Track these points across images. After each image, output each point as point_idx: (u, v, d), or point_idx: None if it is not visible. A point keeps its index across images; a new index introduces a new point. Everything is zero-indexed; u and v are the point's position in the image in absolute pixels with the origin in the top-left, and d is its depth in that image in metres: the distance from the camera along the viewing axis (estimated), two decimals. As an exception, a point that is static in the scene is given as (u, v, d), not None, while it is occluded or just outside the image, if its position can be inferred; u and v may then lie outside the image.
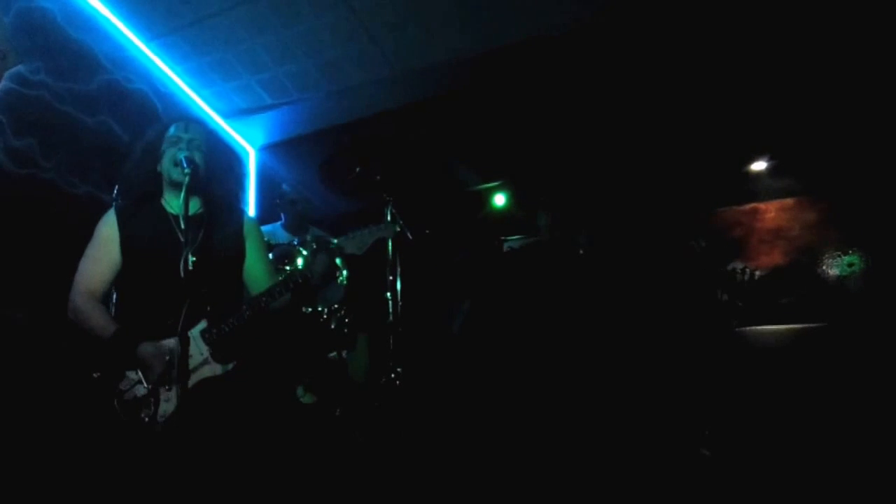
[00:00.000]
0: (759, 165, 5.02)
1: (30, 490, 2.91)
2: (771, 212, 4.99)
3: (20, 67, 3.76)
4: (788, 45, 4.37)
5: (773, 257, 4.91)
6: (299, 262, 3.98)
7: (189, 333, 2.39)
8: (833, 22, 4.16)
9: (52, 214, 3.64)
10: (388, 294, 4.44)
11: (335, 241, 2.75)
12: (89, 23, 4.23)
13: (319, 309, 4.12)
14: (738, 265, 4.73)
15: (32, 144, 3.72)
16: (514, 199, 5.29)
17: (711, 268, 4.70)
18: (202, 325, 2.46)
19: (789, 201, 4.96)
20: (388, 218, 4.30)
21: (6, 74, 3.70)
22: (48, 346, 3.31)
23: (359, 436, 3.88)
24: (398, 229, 4.16)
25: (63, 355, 3.20)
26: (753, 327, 4.12)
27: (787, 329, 4.01)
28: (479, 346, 4.74)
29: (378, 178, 4.32)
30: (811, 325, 3.97)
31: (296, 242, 4.12)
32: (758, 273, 4.72)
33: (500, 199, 5.36)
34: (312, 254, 2.74)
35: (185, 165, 2.48)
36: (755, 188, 5.03)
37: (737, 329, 4.16)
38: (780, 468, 3.35)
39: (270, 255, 3.86)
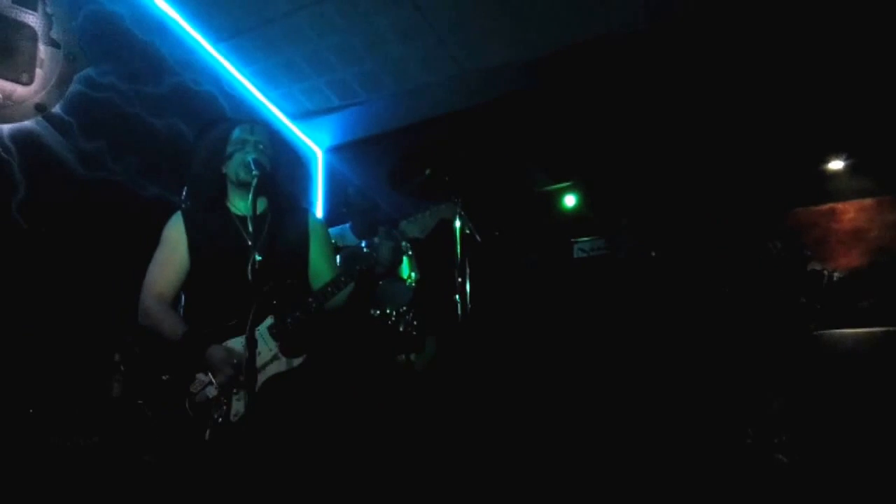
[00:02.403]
0: (836, 165, 4.67)
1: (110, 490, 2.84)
2: (849, 212, 4.65)
3: (90, 70, 3.69)
4: (865, 43, 4.11)
5: (851, 259, 4.57)
6: (369, 263, 3.76)
7: (257, 331, 2.28)
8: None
9: (122, 217, 3.55)
10: (458, 296, 4.04)
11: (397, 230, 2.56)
12: (157, 25, 4.13)
13: (388, 311, 3.91)
14: (817, 266, 4.37)
15: (102, 147, 3.64)
16: (584, 199, 5.00)
17: (790, 270, 4.38)
18: (269, 321, 2.37)
19: (868, 201, 4.60)
20: (458, 220, 3.98)
21: (76, 77, 3.63)
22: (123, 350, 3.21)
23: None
24: (460, 209, 3.89)
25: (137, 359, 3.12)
26: (832, 331, 3.87)
27: (866, 333, 3.77)
28: (552, 348, 4.55)
29: (447, 179, 3.99)
30: (892, 328, 3.70)
31: (364, 244, 3.94)
32: (836, 275, 4.34)
33: (570, 200, 5.09)
34: (377, 242, 2.56)
35: (253, 168, 2.41)
36: (832, 188, 4.68)
37: (815, 332, 3.87)
38: (859, 477, 3.12)
39: (338, 258, 3.77)
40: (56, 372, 3.13)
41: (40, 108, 3.44)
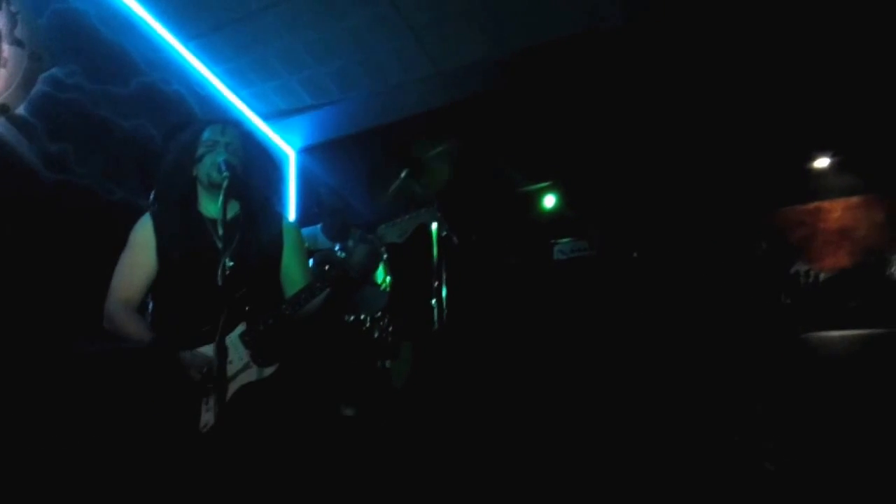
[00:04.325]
0: (822, 162, 4.54)
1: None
2: (836, 211, 4.50)
3: (55, 70, 3.56)
4: (849, 39, 4.06)
5: (838, 259, 4.40)
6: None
7: (228, 338, 2.20)
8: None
9: (88, 220, 3.45)
10: (434, 301, 3.97)
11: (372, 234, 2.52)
12: (125, 24, 4.02)
13: (362, 317, 3.83)
14: (802, 267, 4.35)
15: (68, 149, 3.52)
16: (564, 200, 4.89)
17: (774, 270, 4.37)
18: (241, 328, 2.30)
19: (854, 200, 4.46)
20: (435, 223, 3.88)
21: (41, 78, 3.49)
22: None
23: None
24: (438, 214, 3.80)
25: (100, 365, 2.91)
26: (819, 332, 3.73)
27: (854, 334, 3.65)
28: (532, 353, 4.45)
29: (422, 180, 3.96)
30: (880, 330, 3.58)
31: (337, 248, 3.85)
32: (822, 275, 4.31)
33: (549, 201, 5.01)
34: (352, 245, 2.53)
35: (223, 169, 2.32)
36: (819, 186, 4.53)
37: (801, 335, 3.74)
38: (848, 483, 3.00)
39: (311, 261, 3.67)
40: (13, 375, 2.99)
41: (3, 109, 3.31)
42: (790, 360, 3.70)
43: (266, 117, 5.26)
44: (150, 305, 2.53)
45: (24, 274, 3.14)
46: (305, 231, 4.20)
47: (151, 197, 2.79)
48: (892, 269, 4.27)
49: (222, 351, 2.07)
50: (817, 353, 3.65)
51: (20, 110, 3.39)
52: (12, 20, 3.42)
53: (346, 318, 3.80)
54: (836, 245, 4.45)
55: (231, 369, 2.23)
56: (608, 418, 3.92)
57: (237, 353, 2.28)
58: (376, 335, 3.91)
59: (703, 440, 3.58)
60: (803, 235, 4.51)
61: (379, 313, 3.95)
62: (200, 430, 2.15)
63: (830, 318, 3.97)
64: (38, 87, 3.48)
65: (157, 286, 2.45)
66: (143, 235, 2.44)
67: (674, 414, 3.79)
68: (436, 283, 4.02)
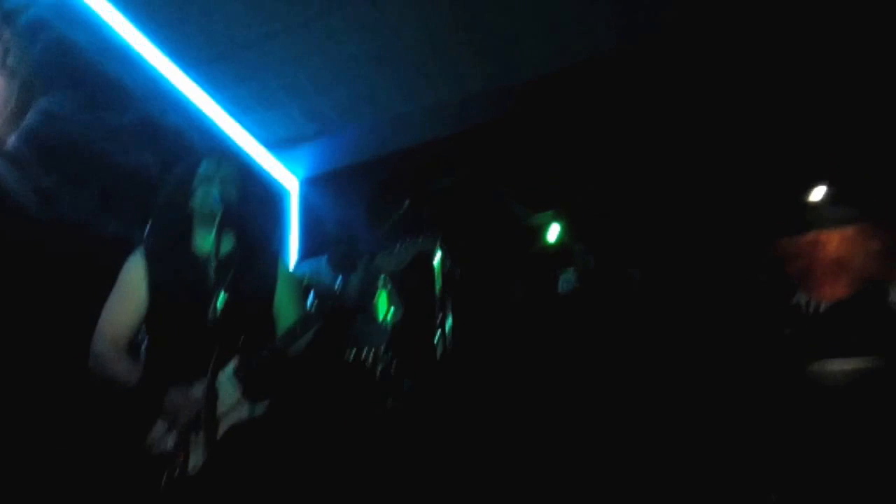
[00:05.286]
0: (817, 193, 4.59)
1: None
2: (833, 241, 4.50)
3: (48, 101, 3.40)
4: (841, 73, 4.10)
5: (837, 288, 4.39)
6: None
7: (220, 375, 2.17)
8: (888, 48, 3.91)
9: (80, 255, 3.28)
10: (438, 334, 4.04)
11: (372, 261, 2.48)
12: (121, 53, 3.93)
13: (364, 352, 3.71)
14: (803, 298, 4.34)
15: (61, 182, 3.35)
16: (568, 230, 4.85)
17: (775, 301, 4.35)
18: (233, 364, 2.21)
19: (851, 230, 4.48)
20: (439, 254, 3.98)
21: (32, 109, 3.34)
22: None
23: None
24: (438, 241, 3.89)
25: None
26: (820, 362, 3.79)
27: (854, 363, 3.71)
28: (538, 387, 4.32)
29: (426, 211, 3.96)
30: (879, 358, 3.65)
31: (339, 281, 3.55)
32: (823, 305, 4.31)
33: (553, 232, 4.93)
34: (346, 276, 2.55)
35: (217, 203, 2.32)
36: (816, 217, 4.55)
37: (802, 364, 3.80)
38: None
39: (311, 295, 3.66)
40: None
41: None
42: (793, 389, 3.68)
43: (269, 146, 5.18)
44: (146, 341, 2.43)
45: (12, 309, 3.00)
46: (309, 264, 4.20)
47: (146, 231, 2.66)
48: (893, 298, 4.26)
49: (213, 389, 2.06)
50: (819, 383, 3.69)
51: (11, 141, 3.23)
52: (3, 49, 3.31)
53: (347, 354, 3.68)
54: (835, 275, 4.43)
55: (222, 406, 2.16)
56: (612, 453, 3.81)
57: (229, 390, 2.20)
58: (379, 370, 3.76)
59: (706, 472, 3.49)
60: (802, 266, 4.49)
61: (382, 348, 3.82)
62: (189, 472, 2.07)
63: (832, 347, 3.92)
64: (30, 117, 3.32)
65: (150, 322, 2.37)
66: (135, 274, 2.37)
67: (678, 445, 3.69)
68: (440, 316, 4.06)
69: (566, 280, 4.48)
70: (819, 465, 3.32)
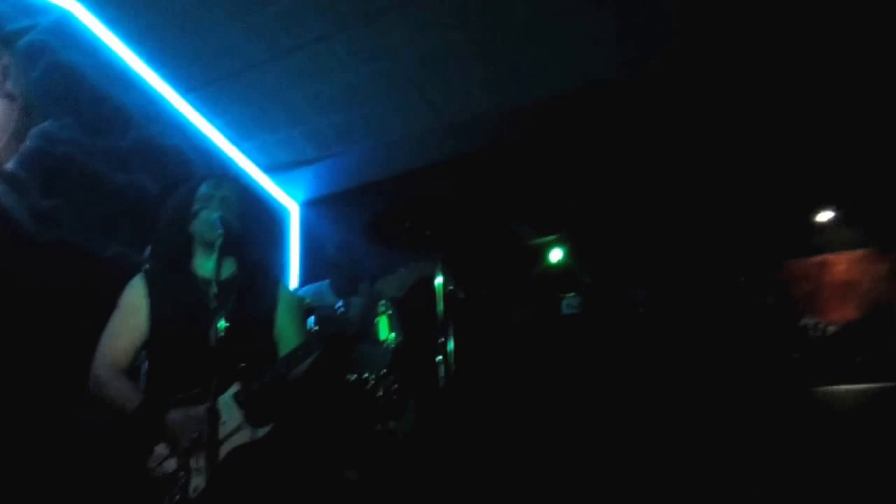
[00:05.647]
0: (825, 216, 4.48)
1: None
2: (841, 264, 4.41)
3: (47, 124, 3.43)
4: (848, 95, 4.06)
5: (845, 312, 4.29)
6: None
7: (221, 399, 2.16)
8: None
9: (80, 279, 3.30)
10: (440, 357, 3.86)
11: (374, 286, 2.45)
12: (121, 76, 3.95)
13: (365, 376, 3.68)
14: (810, 321, 4.26)
15: (60, 205, 3.38)
16: (571, 253, 4.83)
17: (782, 324, 4.26)
18: (234, 388, 2.22)
19: (859, 253, 4.39)
20: (441, 276, 3.85)
21: (33, 132, 3.35)
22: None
23: None
24: (441, 265, 3.82)
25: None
26: (827, 387, 3.74)
27: (863, 389, 3.67)
28: (541, 412, 4.31)
29: (428, 233, 3.87)
30: (890, 384, 3.58)
31: (339, 304, 3.67)
32: (830, 329, 4.23)
33: (556, 255, 4.93)
34: (348, 301, 2.55)
35: (218, 226, 2.29)
36: (823, 240, 4.45)
37: (810, 389, 3.75)
38: None
39: (312, 318, 3.65)
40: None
41: None
42: (800, 414, 3.62)
43: (268, 170, 5.19)
44: (146, 366, 2.44)
45: (11, 334, 2.98)
46: (311, 287, 4.18)
47: (146, 254, 2.70)
48: None
49: (214, 412, 2.04)
50: (826, 408, 3.63)
51: (10, 165, 3.25)
52: (3, 73, 3.36)
53: (349, 376, 3.66)
54: (843, 298, 4.35)
55: (224, 430, 2.15)
56: (616, 476, 3.82)
57: (230, 414, 2.19)
58: (380, 394, 3.73)
59: (714, 496, 3.51)
60: (809, 289, 4.42)
61: (383, 371, 3.78)
62: (190, 495, 2.06)
63: (839, 371, 3.89)
64: (30, 141, 3.34)
65: (150, 346, 2.38)
66: (135, 298, 2.38)
67: (685, 470, 3.68)
68: (441, 340, 3.90)
69: (570, 304, 4.48)
70: (828, 490, 3.27)
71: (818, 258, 4.48)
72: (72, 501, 2.86)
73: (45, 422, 2.99)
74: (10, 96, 3.33)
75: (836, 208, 4.48)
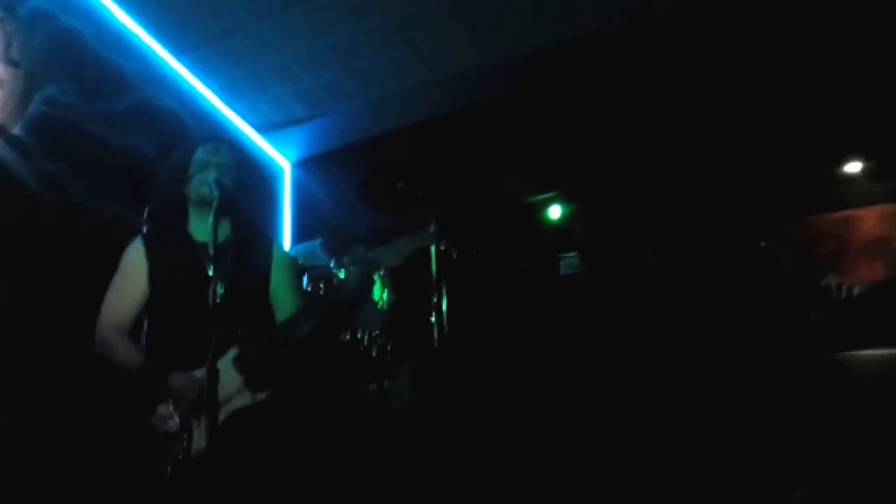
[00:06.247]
0: (854, 168, 4.86)
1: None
2: (870, 220, 4.76)
3: (50, 89, 4.04)
4: (882, 36, 4.34)
5: (873, 271, 4.67)
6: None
7: (220, 362, 2.45)
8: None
9: (83, 240, 3.88)
10: (434, 317, 4.52)
11: (370, 254, 2.85)
12: (119, 41, 4.55)
13: (359, 336, 4.20)
14: (833, 281, 4.57)
15: (63, 168, 3.98)
16: (571, 211, 5.35)
17: (802, 284, 4.63)
18: (234, 352, 2.58)
19: (890, 208, 4.73)
20: (432, 233, 4.36)
21: (36, 97, 3.97)
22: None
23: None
24: (438, 236, 4.29)
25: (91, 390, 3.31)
26: (851, 352, 4.08)
27: (889, 353, 3.97)
28: (537, 374, 4.86)
29: (420, 192, 4.48)
30: None
31: (332, 264, 4.22)
32: (856, 290, 4.53)
33: (555, 212, 5.45)
34: (347, 264, 2.86)
35: (214, 189, 2.63)
36: (850, 194, 4.83)
37: (832, 354, 4.11)
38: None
39: (305, 278, 4.06)
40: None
41: (0, 130, 3.75)
42: (819, 380, 3.99)
43: (260, 129, 5.79)
44: (146, 326, 2.82)
45: (19, 293, 3.51)
46: (303, 246, 4.71)
47: (144, 217, 3.10)
48: None
49: (214, 375, 2.31)
50: (849, 374, 3.98)
51: (16, 130, 3.83)
52: (7, 40, 3.88)
53: (343, 336, 4.11)
54: (871, 256, 4.65)
55: (223, 394, 2.45)
56: (618, 441, 4.29)
57: (229, 378, 2.52)
58: (374, 354, 4.22)
59: (726, 465, 3.93)
60: (834, 246, 4.72)
61: (377, 331, 4.24)
62: (192, 455, 2.39)
63: (863, 335, 4.16)
64: (34, 106, 3.93)
65: (150, 309, 2.76)
66: (135, 260, 2.76)
67: (694, 437, 4.13)
68: (435, 299, 4.48)
69: (569, 264, 5.07)
70: (847, 458, 3.65)
71: (844, 213, 4.78)
72: (76, 459, 3.30)
73: (49, 381, 3.47)
74: (14, 63, 3.89)
75: (866, 159, 4.79)
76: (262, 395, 2.60)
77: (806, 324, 4.47)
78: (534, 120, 5.31)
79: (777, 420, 4.04)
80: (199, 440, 2.42)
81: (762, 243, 4.72)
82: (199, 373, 2.42)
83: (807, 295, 4.58)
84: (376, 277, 4.39)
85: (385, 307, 4.47)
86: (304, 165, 6.38)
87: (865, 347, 4.05)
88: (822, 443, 3.82)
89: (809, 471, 3.77)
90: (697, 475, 3.95)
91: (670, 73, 4.92)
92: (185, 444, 2.42)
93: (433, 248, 4.43)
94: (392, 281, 4.58)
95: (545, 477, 4.15)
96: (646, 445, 4.24)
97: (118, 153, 4.35)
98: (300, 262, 4.18)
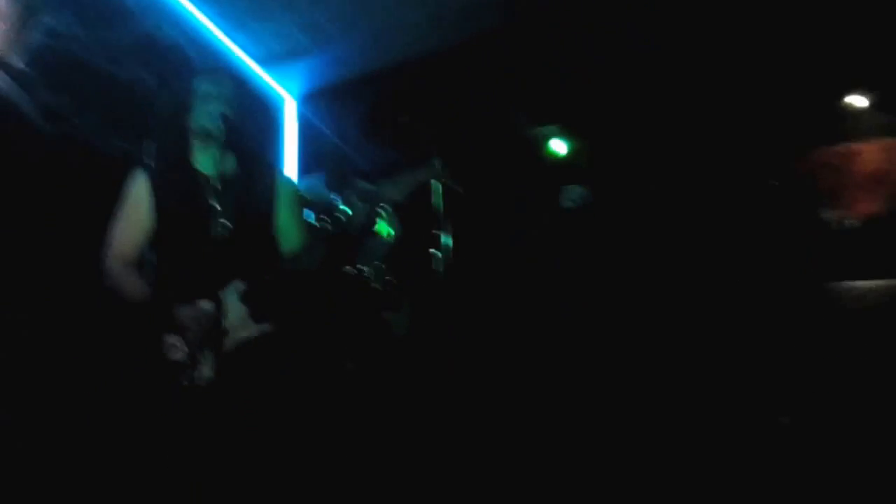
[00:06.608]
0: (856, 100, 4.80)
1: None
2: (871, 153, 4.68)
3: (51, 20, 3.94)
4: None
5: (872, 205, 4.61)
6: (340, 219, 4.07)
7: (225, 294, 2.54)
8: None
9: (86, 174, 3.83)
10: (437, 251, 4.58)
11: (375, 189, 2.88)
12: None
13: (363, 269, 4.23)
14: (832, 214, 4.63)
15: (65, 100, 3.90)
16: (574, 144, 5.33)
17: (800, 218, 4.68)
18: (238, 284, 2.61)
19: (892, 141, 4.67)
20: (436, 168, 4.46)
21: (37, 28, 3.88)
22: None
23: None
24: (442, 173, 4.34)
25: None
26: (848, 283, 4.14)
27: (886, 284, 4.04)
28: (538, 307, 4.96)
29: (424, 126, 4.49)
30: None
31: (336, 198, 4.21)
32: (854, 223, 4.59)
33: (558, 145, 5.43)
34: (352, 199, 2.92)
35: (216, 121, 2.69)
36: (852, 127, 4.78)
37: (828, 285, 4.17)
38: (869, 438, 3.40)
39: (309, 213, 3.99)
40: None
41: (1, 62, 3.66)
42: (815, 310, 4.13)
43: (263, 62, 5.71)
44: (154, 259, 2.86)
45: (22, 227, 3.44)
46: (306, 181, 4.60)
47: (147, 150, 3.07)
48: None
49: (219, 308, 2.40)
50: (845, 304, 4.08)
51: (17, 62, 3.73)
52: None
53: (348, 269, 4.13)
54: (870, 190, 4.60)
55: (229, 325, 2.53)
56: (618, 372, 4.38)
57: (235, 309, 2.58)
58: (378, 287, 4.29)
59: (717, 393, 4.05)
60: (834, 180, 4.67)
61: (381, 265, 4.31)
62: (199, 383, 2.46)
63: (862, 267, 4.23)
64: (35, 37, 3.83)
65: (155, 241, 2.79)
66: (138, 192, 2.78)
67: (687, 366, 4.26)
68: (439, 233, 4.57)
69: (570, 196, 5.10)
70: (841, 388, 3.76)
71: (845, 146, 4.72)
72: (84, 388, 3.28)
73: (53, 317, 3.42)
74: (12, -9, 3.76)
75: (869, 91, 4.75)
76: (266, 327, 2.65)
77: (803, 256, 4.55)
78: (540, 54, 5.27)
79: (774, 349, 4.18)
80: (206, 370, 2.49)
81: (774, 182, 4.74)
82: (206, 304, 2.49)
83: (806, 228, 4.65)
84: (381, 212, 4.37)
85: (389, 241, 4.48)
86: (308, 99, 6.30)
87: (863, 279, 4.13)
88: (818, 372, 3.93)
89: (802, 400, 3.88)
90: (691, 400, 4.05)
91: (674, 6, 4.88)
92: (192, 373, 2.48)
93: (437, 183, 4.45)
94: (397, 215, 4.52)
95: (540, 411, 4.22)
96: (642, 371, 4.36)
97: (120, 86, 4.29)
98: (305, 196, 4.06)
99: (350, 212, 4.04)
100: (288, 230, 2.97)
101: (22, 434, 3.04)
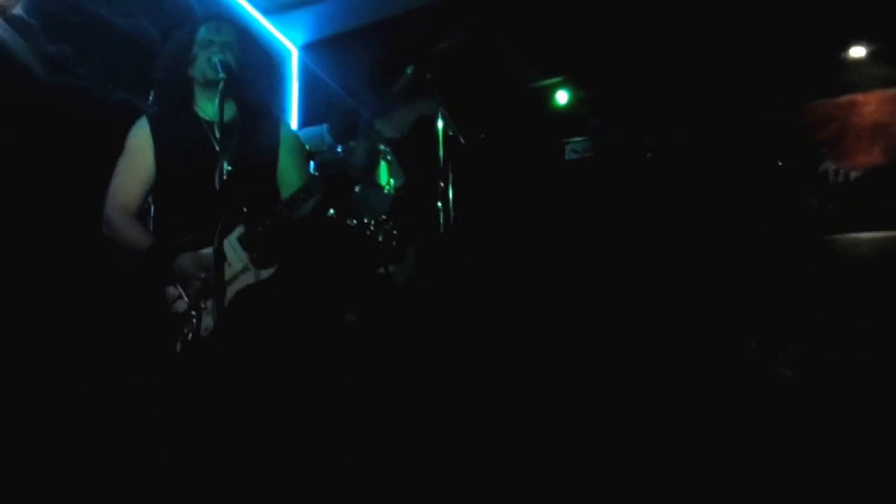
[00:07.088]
0: (857, 51, 4.82)
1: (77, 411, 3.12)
2: (871, 104, 4.73)
3: None
4: None
5: (871, 156, 4.67)
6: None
7: (227, 241, 2.55)
8: None
9: (88, 123, 3.81)
10: (440, 203, 4.56)
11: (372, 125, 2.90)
12: None
13: (366, 221, 4.30)
14: (831, 166, 4.65)
15: (67, 50, 3.89)
16: (578, 96, 5.35)
17: (798, 169, 4.68)
18: (240, 230, 2.66)
19: (892, 92, 4.69)
20: (440, 121, 4.43)
21: None
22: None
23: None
24: (437, 105, 4.31)
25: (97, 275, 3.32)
26: (847, 235, 4.15)
27: (886, 236, 4.03)
28: (541, 259, 4.95)
29: (428, 76, 4.41)
30: None
31: (339, 149, 4.21)
32: (853, 174, 4.62)
33: (562, 97, 5.41)
34: (352, 145, 2.88)
35: (219, 70, 2.65)
36: (852, 78, 4.79)
37: (827, 237, 4.18)
38: (870, 389, 3.41)
39: (312, 163, 4.07)
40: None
41: (1, 10, 3.63)
42: (816, 263, 4.12)
43: (266, 12, 5.63)
44: (153, 208, 2.94)
45: (23, 177, 3.48)
46: (312, 131, 4.71)
47: (150, 99, 3.15)
48: None
49: (220, 254, 2.35)
50: (845, 256, 4.08)
51: (17, 10, 3.69)
52: None
53: (350, 221, 4.22)
54: (870, 141, 4.63)
55: (230, 272, 2.53)
56: (619, 324, 4.37)
57: (236, 256, 2.62)
58: (380, 239, 4.34)
59: (718, 346, 4.03)
60: (834, 131, 4.71)
61: (383, 217, 4.37)
62: (201, 334, 2.50)
63: (860, 219, 4.27)
64: None
65: (157, 189, 2.85)
66: (140, 140, 2.83)
67: (689, 319, 4.22)
68: (442, 185, 4.51)
69: (574, 148, 5.11)
70: (843, 339, 3.76)
71: (845, 98, 4.75)
72: (86, 339, 3.32)
73: (55, 267, 3.47)
74: (13, -61, 3.67)
75: (869, 42, 4.76)
76: (267, 273, 2.69)
77: (804, 208, 4.57)
78: (543, 4, 5.21)
79: (775, 301, 4.15)
80: (207, 320, 2.52)
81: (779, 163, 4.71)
82: (207, 252, 2.49)
83: (805, 180, 4.66)
84: (384, 163, 4.39)
85: (392, 193, 4.49)
86: (312, 49, 6.26)
87: (863, 230, 4.13)
88: (819, 324, 3.93)
89: (804, 351, 3.87)
90: (692, 354, 4.03)
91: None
92: (194, 323, 2.51)
93: (440, 131, 4.41)
94: (399, 164, 4.57)
95: (542, 360, 4.24)
96: (643, 324, 4.33)
97: (122, 35, 4.26)
98: (308, 147, 4.23)
99: (343, 150, 3.99)
100: (290, 177, 3.00)
101: (24, 392, 3.09)
